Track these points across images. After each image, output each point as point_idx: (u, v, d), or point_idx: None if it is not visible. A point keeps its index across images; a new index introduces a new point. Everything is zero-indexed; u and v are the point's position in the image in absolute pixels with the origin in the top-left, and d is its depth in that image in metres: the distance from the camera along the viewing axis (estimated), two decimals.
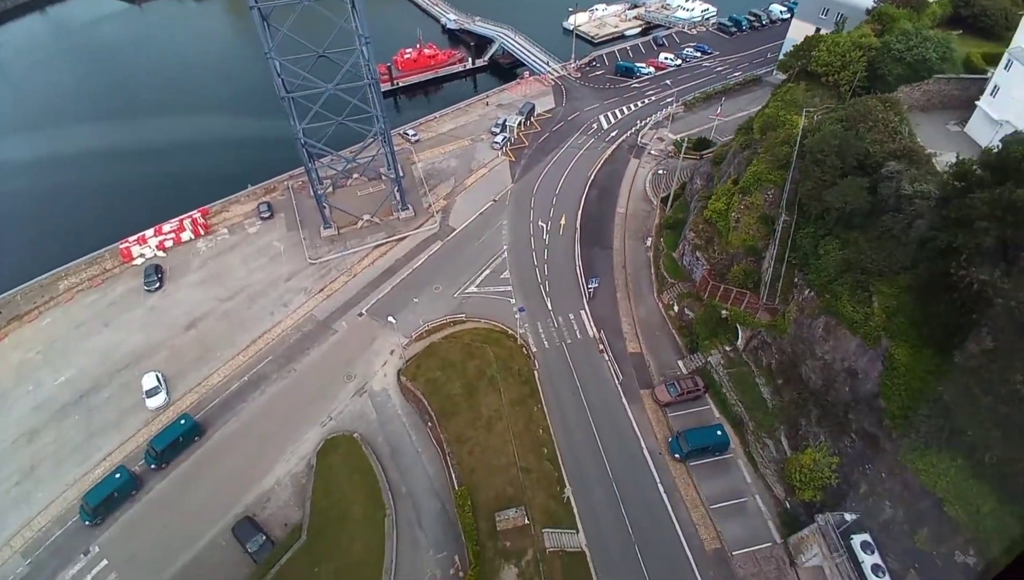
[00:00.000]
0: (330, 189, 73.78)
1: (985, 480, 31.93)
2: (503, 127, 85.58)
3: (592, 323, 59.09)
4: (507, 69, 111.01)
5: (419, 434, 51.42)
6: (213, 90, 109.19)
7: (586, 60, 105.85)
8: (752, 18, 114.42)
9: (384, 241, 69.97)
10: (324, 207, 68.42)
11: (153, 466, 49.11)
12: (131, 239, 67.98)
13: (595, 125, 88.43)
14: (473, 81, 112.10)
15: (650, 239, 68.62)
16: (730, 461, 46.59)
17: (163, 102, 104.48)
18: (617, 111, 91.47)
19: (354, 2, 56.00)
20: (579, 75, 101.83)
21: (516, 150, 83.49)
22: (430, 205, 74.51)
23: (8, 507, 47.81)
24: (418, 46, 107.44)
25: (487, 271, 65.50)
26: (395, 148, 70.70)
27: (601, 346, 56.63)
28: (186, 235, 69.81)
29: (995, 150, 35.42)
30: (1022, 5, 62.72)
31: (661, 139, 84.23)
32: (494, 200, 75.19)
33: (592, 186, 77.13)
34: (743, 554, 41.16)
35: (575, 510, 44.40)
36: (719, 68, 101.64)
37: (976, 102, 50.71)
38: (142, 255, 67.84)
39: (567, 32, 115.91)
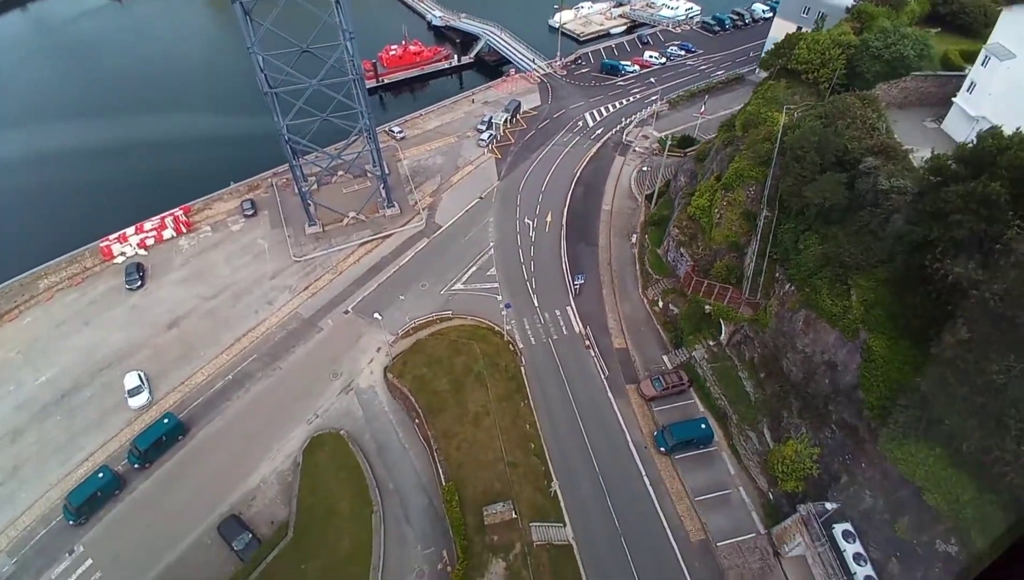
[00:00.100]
0: (315, 186, 73.36)
1: (964, 469, 32.62)
2: (489, 124, 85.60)
3: (578, 319, 59.45)
4: (493, 66, 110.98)
5: (406, 431, 51.44)
6: (195, 86, 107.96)
7: (572, 58, 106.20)
8: (735, 17, 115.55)
9: (370, 238, 69.76)
10: (309, 204, 68.06)
11: (136, 465, 48.66)
12: (112, 237, 67.09)
13: (581, 123, 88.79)
14: (459, 78, 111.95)
15: (635, 236, 69.13)
16: (714, 454, 47.21)
17: (144, 98, 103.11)
18: (602, 109, 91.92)
19: None
20: (565, 73, 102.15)
21: (502, 147, 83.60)
22: (416, 202, 74.41)
23: None
24: (403, 43, 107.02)
25: (473, 268, 65.60)
26: (380, 145, 70.50)
27: (587, 342, 57.02)
28: (168, 233, 69.08)
29: (970, 145, 36.17)
30: (1000, 2, 64.04)
31: (646, 137, 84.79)
32: (480, 197, 75.26)
33: (578, 183, 77.47)
34: (727, 545, 41.78)
35: (562, 504, 44.73)
36: (703, 66, 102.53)
37: (953, 99, 51.81)
38: (123, 253, 66.99)
39: (553, 30, 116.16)
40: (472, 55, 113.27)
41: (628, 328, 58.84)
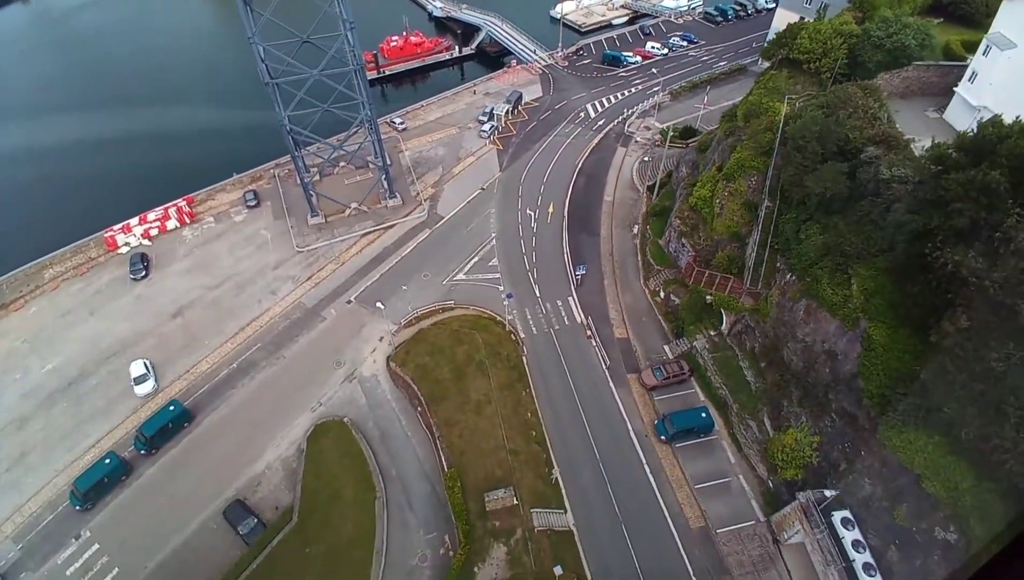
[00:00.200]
0: (317, 177, 73.60)
1: (963, 456, 32.85)
2: (491, 116, 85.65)
3: (580, 309, 59.74)
4: (494, 58, 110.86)
5: (409, 419, 51.90)
6: (197, 78, 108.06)
7: (573, 49, 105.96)
8: (738, 7, 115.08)
9: (372, 229, 70.02)
10: (311, 195, 68.29)
11: (143, 452, 49.23)
12: (116, 228, 67.54)
13: (582, 114, 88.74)
14: (460, 69, 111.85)
15: (637, 227, 69.28)
16: (714, 442, 47.60)
17: (147, 90, 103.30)
18: (604, 100, 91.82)
19: None
20: (566, 64, 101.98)
21: (504, 139, 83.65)
22: (418, 193, 74.59)
23: None
24: (404, 34, 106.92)
25: (475, 259, 65.86)
26: (382, 136, 70.59)
27: (589, 332, 57.32)
28: (171, 223, 69.43)
29: (970, 134, 36.23)
30: None
31: (648, 128, 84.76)
32: (482, 188, 75.41)
33: (580, 174, 77.57)
34: (727, 532, 42.22)
35: (563, 491, 45.20)
36: (705, 57, 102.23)
37: (954, 89, 51.73)
38: (127, 244, 67.39)
39: (554, 21, 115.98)
40: (473, 46, 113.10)
41: (629, 318, 59.12)
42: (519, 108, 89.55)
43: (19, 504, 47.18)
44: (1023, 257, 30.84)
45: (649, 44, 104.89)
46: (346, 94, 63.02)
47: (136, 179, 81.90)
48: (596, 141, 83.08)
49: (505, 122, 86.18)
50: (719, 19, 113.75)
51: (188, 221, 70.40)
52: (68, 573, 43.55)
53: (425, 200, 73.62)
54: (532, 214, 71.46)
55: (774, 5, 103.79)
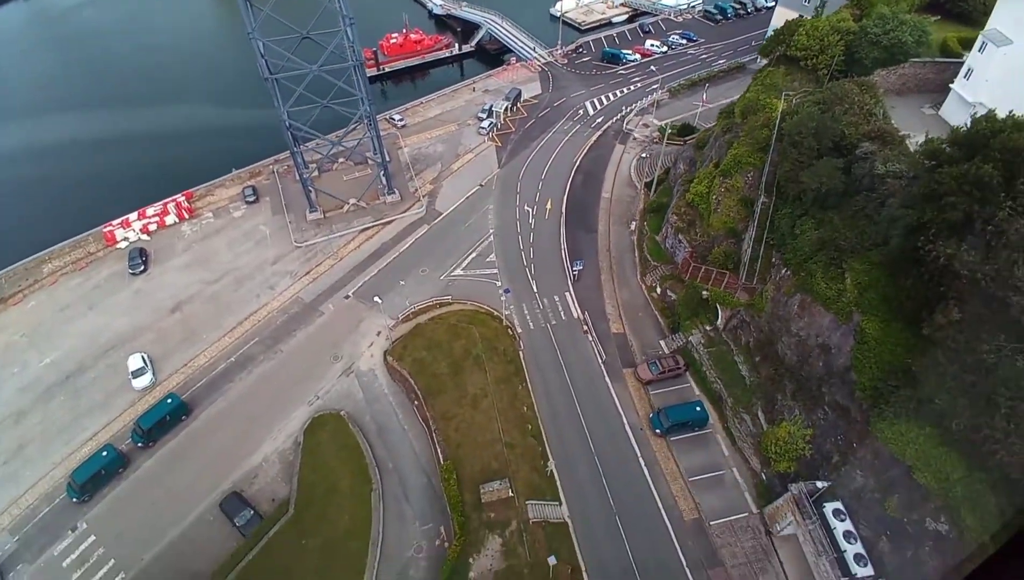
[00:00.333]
0: (315, 173, 73.84)
1: (954, 448, 33.09)
2: (489, 112, 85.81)
3: (576, 305, 59.93)
4: (494, 55, 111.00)
5: (405, 412, 52.11)
6: (196, 74, 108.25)
7: (573, 47, 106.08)
8: (737, 6, 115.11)
9: (370, 225, 70.22)
10: (310, 191, 68.51)
11: (140, 444, 49.44)
12: (115, 223, 67.77)
13: (581, 111, 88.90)
14: (460, 67, 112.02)
15: (634, 223, 69.47)
16: (709, 436, 47.79)
17: (146, 86, 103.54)
18: (603, 97, 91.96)
19: None
20: (566, 61, 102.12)
21: (502, 135, 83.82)
22: (416, 189, 74.79)
23: None
24: (404, 31, 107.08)
25: (473, 254, 66.06)
26: (381, 133, 70.77)
27: (585, 327, 57.52)
28: (170, 219, 69.65)
29: (964, 128, 36.42)
30: None
31: (646, 125, 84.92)
32: (480, 185, 75.60)
33: (578, 171, 77.73)
34: (720, 524, 42.42)
35: (558, 483, 45.42)
36: (704, 55, 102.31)
37: (951, 85, 51.93)
38: (126, 239, 67.61)
39: (554, 18, 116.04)
40: (473, 44, 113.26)
41: (626, 313, 59.31)
42: (518, 105, 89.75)
43: (16, 496, 47.38)
44: (1015, 250, 31.09)
45: (648, 42, 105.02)
46: (345, 90, 63.28)
47: (135, 175, 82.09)
48: (595, 138, 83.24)
49: (504, 119, 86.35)
50: (719, 17, 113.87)
51: (187, 216, 70.61)
52: (64, 565, 43.76)
53: (423, 196, 73.83)
54: (530, 210, 71.65)
55: (773, 3, 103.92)
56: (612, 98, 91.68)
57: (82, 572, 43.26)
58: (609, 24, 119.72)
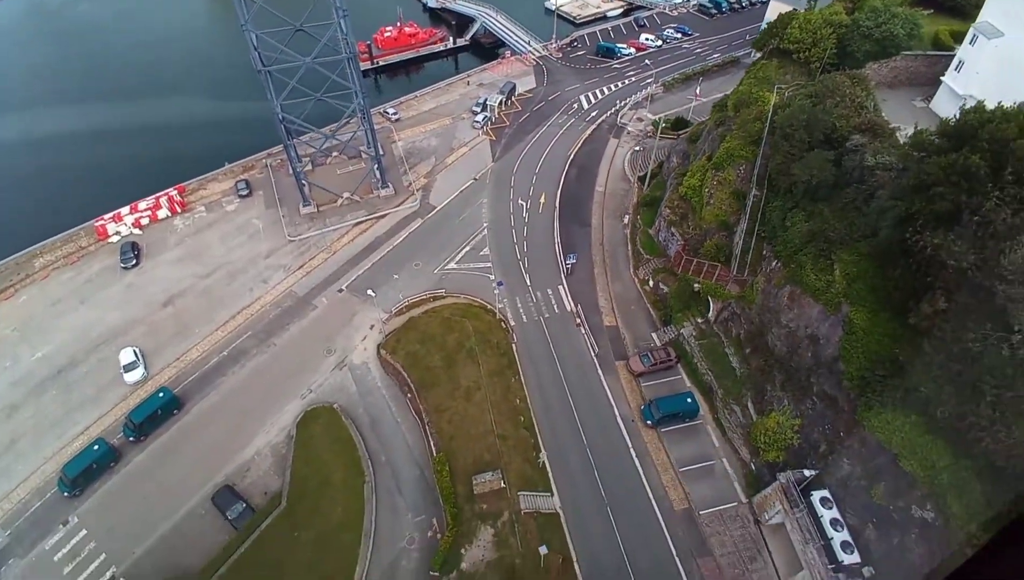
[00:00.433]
0: (309, 167, 73.70)
1: (939, 436, 33.40)
2: (484, 106, 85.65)
3: (570, 298, 60.07)
4: (488, 49, 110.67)
5: (399, 405, 52.21)
6: (190, 68, 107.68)
7: (567, 40, 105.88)
8: (732, 0, 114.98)
9: (364, 219, 70.14)
10: (303, 185, 68.38)
11: (132, 438, 49.40)
12: (106, 217, 67.37)
13: (575, 105, 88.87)
14: (454, 60, 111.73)
15: (627, 217, 69.58)
16: (699, 427, 48.07)
17: (138, 80, 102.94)
18: (597, 91, 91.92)
19: None
20: (560, 55, 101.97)
21: (497, 129, 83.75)
22: (410, 183, 74.70)
23: None
24: (398, 24, 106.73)
25: (467, 248, 66.09)
26: (375, 126, 70.60)
27: (578, 320, 57.65)
28: (162, 213, 69.40)
29: (953, 119, 36.56)
30: None
31: (640, 119, 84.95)
32: (474, 179, 75.57)
33: (572, 165, 77.77)
34: (710, 513, 42.74)
35: (550, 474, 45.65)
36: (699, 49, 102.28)
37: (941, 78, 52.06)
38: (118, 233, 67.32)
39: (549, 12, 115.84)
40: (468, 37, 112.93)
41: (619, 307, 59.49)
42: (512, 99, 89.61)
43: (8, 491, 47.28)
44: (1001, 239, 31.29)
45: (643, 36, 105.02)
46: (339, 83, 63.11)
47: (127, 168, 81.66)
48: (589, 132, 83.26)
49: (498, 113, 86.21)
50: (713, 11, 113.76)
51: (179, 210, 70.37)
52: (56, 559, 43.74)
53: (417, 190, 73.75)
54: (524, 204, 71.67)
55: None
56: (606, 92, 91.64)
57: (74, 566, 43.26)
58: (604, 18, 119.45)
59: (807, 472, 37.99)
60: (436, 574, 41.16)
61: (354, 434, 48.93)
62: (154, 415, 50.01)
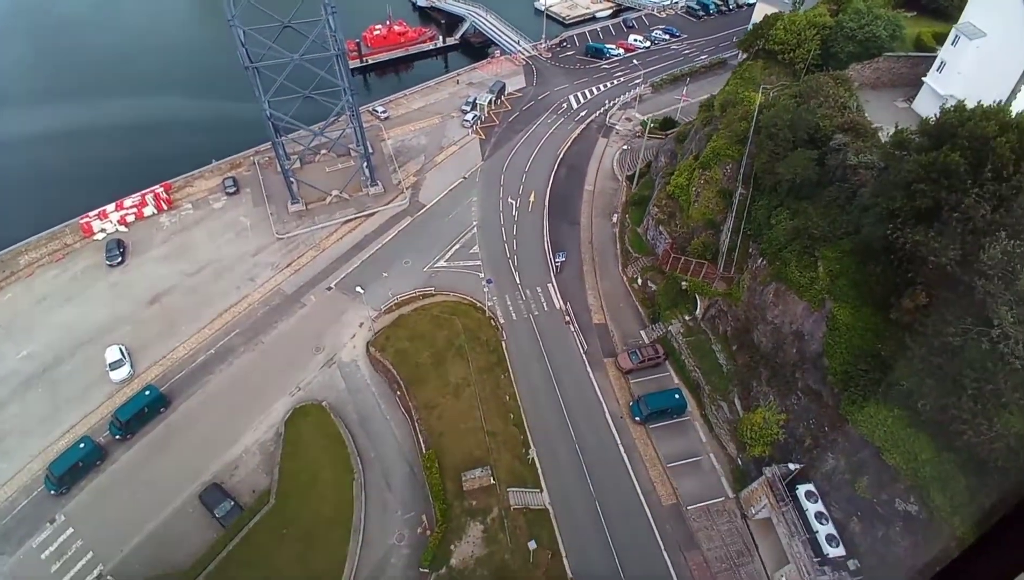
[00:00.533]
0: (297, 165, 73.45)
1: (922, 429, 33.98)
2: (473, 105, 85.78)
3: (559, 296, 60.37)
4: (478, 48, 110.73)
5: (388, 403, 52.20)
6: (176, 64, 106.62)
7: (557, 40, 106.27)
8: (719, 2, 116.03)
9: (353, 217, 70.03)
10: (291, 182, 68.15)
11: (118, 436, 49.02)
12: (92, 214, 66.71)
13: (565, 105, 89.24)
14: (444, 60, 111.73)
15: (616, 215, 70.06)
16: (687, 423, 48.57)
17: (124, 75, 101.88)
18: (587, 91, 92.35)
19: None
20: (550, 55, 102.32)
21: (486, 128, 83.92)
22: (400, 181, 74.67)
23: None
24: (388, 23, 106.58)
25: (457, 246, 66.20)
26: (364, 125, 70.49)
27: (567, 317, 57.97)
28: (148, 210, 68.83)
29: (933, 118, 37.26)
30: None
31: (629, 119, 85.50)
32: (464, 177, 75.69)
33: (561, 164, 78.11)
34: (697, 508, 43.22)
35: (539, 470, 45.92)
36: (687, 51, 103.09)
37: (923, 79, 52.95)
38: (103, 230, 66.71)
39: (538, 12, 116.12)
40: (457, 36, 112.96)
41: (607, 304, 59.90)
42: (502, 98, 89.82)
43: None
44: (980, 235, 31.98)
45: (632, 37, 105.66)
46: (328, 81, 62.95)
47: (112, 165, 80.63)
48: (578, 132, 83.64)
49: (488, 112, 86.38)
50: (701, 13, 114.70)
51: (166, 208, 69.85)
52: (43, 557, 43.35)
53: (407, 188, 73.74)
54: (513, 203, 71.91)
55: (754, 0, 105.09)
56: (595, 92, 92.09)
57: (61, 564, 42.90)
58: (593, 19, 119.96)
59: (792, 466, 38.56)
60: (426, 570, 41.26)
61: (343, 431, 48.88)
62: (140, 413, 49.65)
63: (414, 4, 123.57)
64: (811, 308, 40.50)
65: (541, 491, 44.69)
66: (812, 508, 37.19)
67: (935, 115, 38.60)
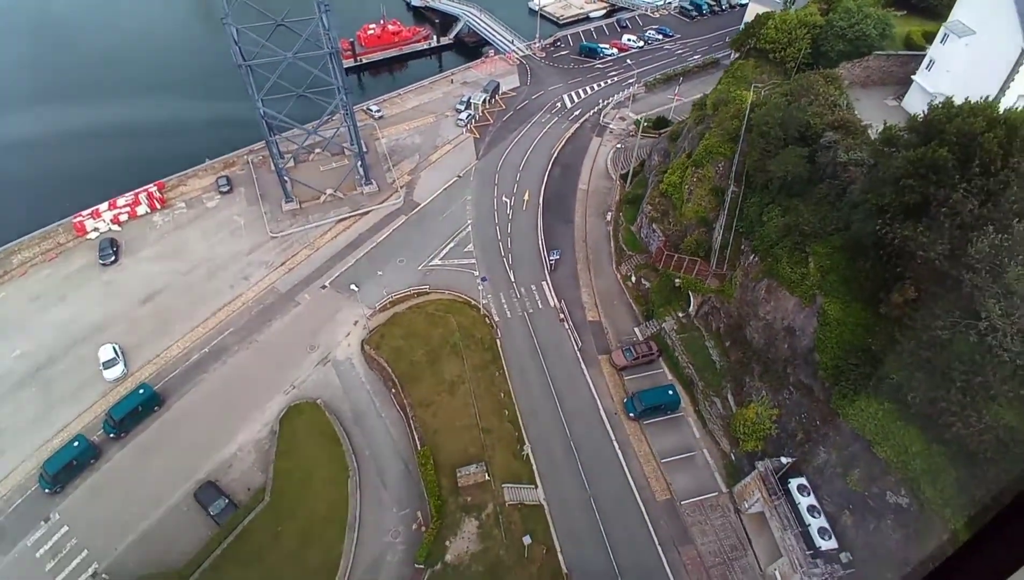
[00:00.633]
0: (291, 163, 73.43)
1: (912, 422, 34.35)
2: (468, 104, 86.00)
3: (553, 294, 60.61)
4: (472, 48, 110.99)
5: (383, 400, 52.29)
6: (169, 62, 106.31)
7: (551, 40, 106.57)
8: (712, 2, 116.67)
9: (347, 216, 70.07)
10: (285, 181, 68.13)
11: (112, 435, 48.90)
12: (85, 213, 66.60)
13: (559, 104, 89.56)
14: (438, 59, 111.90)
15: (610, 214, 70.35)
16: (680, 419, 48.87)
17: (117, 74, 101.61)
18: (580, 91, 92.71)
19: None
20: (544, 55, 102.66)
21: (481, 127, 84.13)
22: (394, 180, 74.76)
23: None
24: (382, 22, 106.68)
25: (451, 244, 66.34)
26: (358, 124, 70.57)
27: (562, 315, 58.21)
28: (142, 209, 68.67)
29: (921, 115, 37.70)
30: None
31: (623, 118, 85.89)
32: (458, 176, 75.84)
33: (555, 163, 78.37)
34: (691, 503, 43.51)
35: (534, 467, 46.11)
36: (680, 51, 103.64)
37: (913, 77, 53.46)
38: (96, 229, 66.50)
39: (532, 12, 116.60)
40: (451, 36, 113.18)
41: (601, 302, 60.18)
42: (496, 97, 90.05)
43: None
44: (968, 230, 32.40)
45: (625, 37, 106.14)
46: (322, 79, 63.04)
47: (105, 164, 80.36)
48: (572, 131, 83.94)
49: (482, 111, 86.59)
50: (694, 14, 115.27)
51: (159, 206, 69.71)
52: (38, 555, 43.19)
53: (401, 187, 73.85)
54: (508, 201, 72.11)
55: (747, 0, 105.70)
56: (589, 91, 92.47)
57: (55, 563, 42.77)
58: (587, 19, 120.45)
59: (784, 460, 38.88)
60: (421, 566, 41.39)
61: (338, 429, 48.94)
62: (135, 411, 49.55)
63: (408, 3, 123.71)
64: (802, 304, 40.89)
65: (536, 487, 44.88)
66: (804, 502, 37.54)
67: (923, 112, 39.12)
